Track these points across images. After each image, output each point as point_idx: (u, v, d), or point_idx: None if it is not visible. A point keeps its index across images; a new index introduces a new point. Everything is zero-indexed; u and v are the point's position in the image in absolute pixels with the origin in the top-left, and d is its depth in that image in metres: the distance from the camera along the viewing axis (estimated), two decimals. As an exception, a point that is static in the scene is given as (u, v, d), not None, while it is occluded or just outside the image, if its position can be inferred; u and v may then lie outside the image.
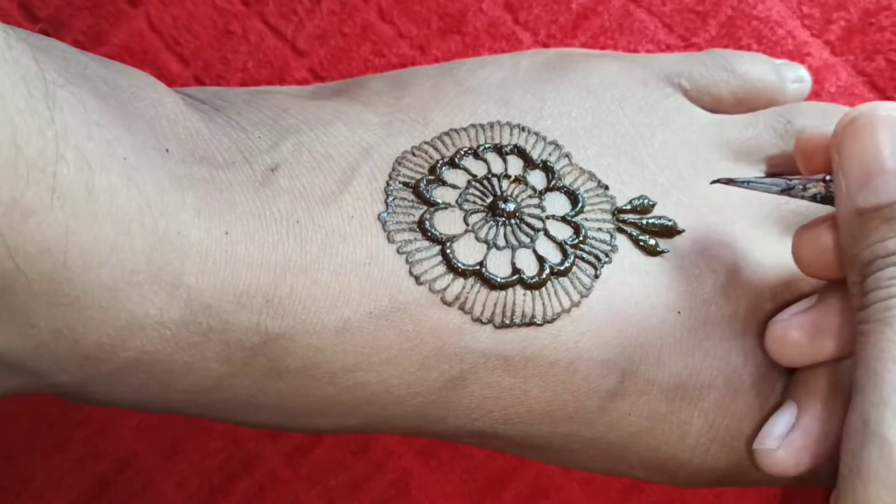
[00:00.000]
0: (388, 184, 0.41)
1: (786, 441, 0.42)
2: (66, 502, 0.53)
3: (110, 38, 0.54)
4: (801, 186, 0.41)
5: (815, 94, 0.52)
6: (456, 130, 0.44)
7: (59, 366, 0.36)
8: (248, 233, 0.38)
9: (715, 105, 0.49)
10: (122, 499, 0.53)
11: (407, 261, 0.40)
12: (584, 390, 0.42)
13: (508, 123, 0.44)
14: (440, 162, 0.42)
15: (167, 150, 0.38)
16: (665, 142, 0.46)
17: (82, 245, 0.33)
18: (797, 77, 0.50)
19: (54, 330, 0.35)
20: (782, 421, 0.42)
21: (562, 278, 0.41)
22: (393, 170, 0.42)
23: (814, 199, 0.41)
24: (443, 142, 0.43)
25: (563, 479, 0.51)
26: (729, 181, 0.43)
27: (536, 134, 0.44)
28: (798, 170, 0.45)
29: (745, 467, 0.44)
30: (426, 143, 0.43)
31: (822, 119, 0.48)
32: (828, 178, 0.40)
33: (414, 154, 0.43)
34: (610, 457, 0.44)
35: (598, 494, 0.50)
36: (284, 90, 0.48)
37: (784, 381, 0.45)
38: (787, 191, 0.41)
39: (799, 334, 0.42)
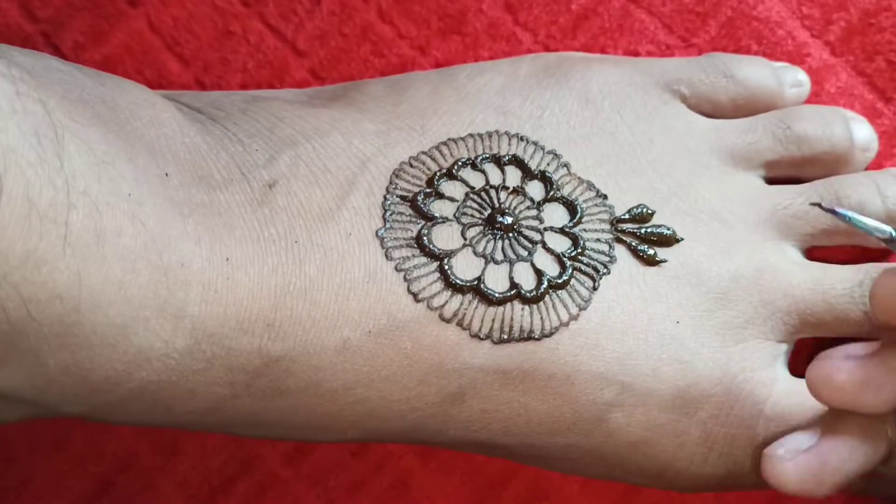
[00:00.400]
0: (385, 198, 0.41)
1: (799, 458, 0.41)
2: (66, 502, 0.53)
3: (110, 38, 0.54)
4: None
5: (815, 95, 0.52)
6: (454, 140, 0.44)
7: (67, 399, 0.37)
8: (248, 257, 0.38)
9: (714, 111, 0.49)
10: (122, 499, 0.53)
11: (405, 278, 0.40)
12: (582, 402, 0.42)
13: (507, 133, 0.44)
14: (437, 174, 0.42)
15: (167, 175, 0.38)
16: (664, 149, 0.46)
17: (92, 288, 0.34)
18: (796, 81, 0.50)
19: (63, 368, 0.35)
20: (802, 437, 0.42)
21: (560, 291, 0.42)
22: (390, 183, 0.42)
23: None
24: (440, 152, 0.43)
25: (563, 480, 0.51)
26: (832, 211, 0.40)
27: (535, 144, 0.44)
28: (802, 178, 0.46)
29: (742, 474, 0.44)
30: (424, 153, 0.43)
31: (821, 124, 0.48)
32: None
33: (411, 165, 0.43)
34: (608, 465, 0.45)
35: (598, 495, 0.51)
36: (282, 95, 0.48)
37: (783, 386, 0.45)
38: (892, 241, 0.39)
39: (845, 380, 0.39)
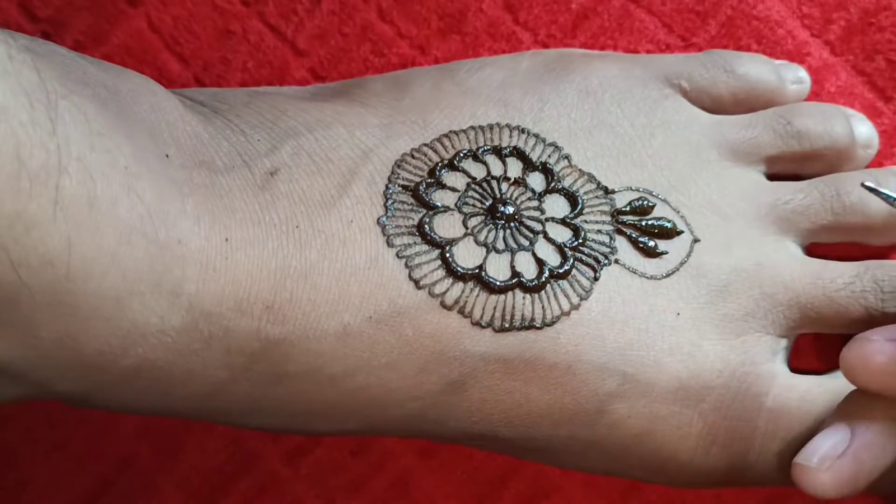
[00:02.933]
0: (387, 187, 0.41)
1: (835, 465, 0.41)
2: (66, 502, 0.53)
3: (110, 38, 0.54)
4: None
5: (815, 94, 0.52)
6: (455, 132, 0.44)
7: (61, 374, 0.36)
8: (248, 239, 0.38)
9: (714, 106, 0.49)
10: (122, 499, 0.53)
11: (406, 265, 0.40)
12: (583, 393, 0.42)
13: (508, 125, 0.44)
14: (439, 164, 0.42)
15: (167, 156, 0.38)
16: (664, 143, 0.46)
17: (84, 256, 0.34)
18: (796, 78, 0.50)
19: (57, 340, 0.35)
20: (832, 441, 0.41)
21: (561, 281, 0.42)
22: (392, 173, 0.42)
23: None
24: (442, 144, 0.43)
25: (564, 478, 0.51)
26: (874, 190, 0.42)
27: (536, 136, 0.44)
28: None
29: (744, 469, 0.44)
30: (425, 145, 0.43)
31: (822, 120, 0.48)
32: None
33: (413, 156, 0.43)
34: (610, 458, 0.45)
35: (599, 494, 0.50)
36: (284, 91, 0.48)
37: (783, 381, 0.45)
38: None
39: (885, 361, 0.39)
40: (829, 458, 0.41)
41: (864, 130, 0.49)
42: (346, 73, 0.54)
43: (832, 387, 0.45)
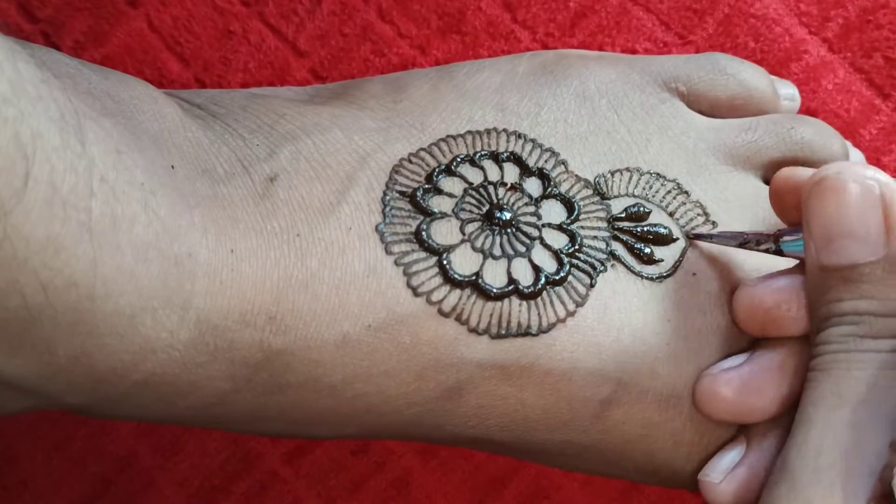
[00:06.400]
0: (384, 193, 0.41)
1: (729, 475, 0.42)
2: (66, 502, 0.53)
3: (110, 38, 0.54)
4: (754, 241, 0.43)
5: (813, 92, 0.52)
6: (453, 137, 0.44)
7: (72, 389, 0.37)
8: (251, 249, 0.38)
9: (712, 110, 0.48)
10: (122, 498, 0.53)
11: (404, 272, 0.40)
12: (579, 399, 0.42)
13: (505, 130, 0.44)
14: (436, 170, 0.42)
15: (172, 167, 0.38)
16: (661, 148, 0.46)
17: (106, 276, 0.34)
18: (790, 95, 0.50)
19: (72, 357, 0.35)
20: (730, 455, 0.43)
21: (557, 287, 0.41)
22: (390, 179, 0.42)
23: (766, 251, 0.42)
24: (439, 148, 0.43)
25: (564, 478, 0.51)
26: (696, 236, 0.44)
27: (533, 141, 0.44)
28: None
29: None
30: (423, 149, 0.43)
31: (822, 133, 0.48)
32: (780, 232, 0.42)
33: (411, 161, 0.43)
34: (605, 462, 0.45)
35: (599, 494, 0.51)
36: (281, 93, 0.48)
37: None
38: (743, 244, 0.43)
39: (727, 390, 0.42)
40: (726, 470, 0.43)
41: (856, 158, 0.50)
42: (347, 73, 0.54)
43: None
